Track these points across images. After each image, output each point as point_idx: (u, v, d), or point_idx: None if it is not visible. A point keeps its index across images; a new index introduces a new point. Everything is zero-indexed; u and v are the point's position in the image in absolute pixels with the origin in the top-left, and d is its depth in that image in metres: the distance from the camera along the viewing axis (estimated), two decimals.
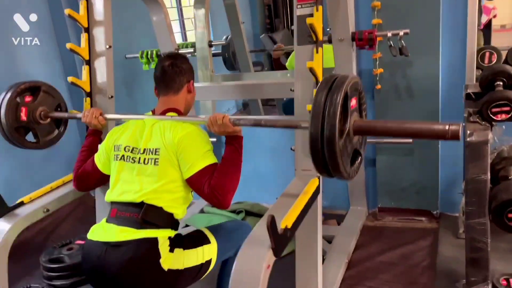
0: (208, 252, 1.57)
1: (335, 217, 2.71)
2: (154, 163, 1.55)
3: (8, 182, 2.73)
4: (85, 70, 2.06)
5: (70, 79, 1.99)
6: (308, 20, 1.56)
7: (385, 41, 2.14)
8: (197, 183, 1.52)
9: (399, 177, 2.53)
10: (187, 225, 2.74)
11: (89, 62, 2.07)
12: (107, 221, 1.55)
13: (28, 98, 1.90)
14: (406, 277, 2.06)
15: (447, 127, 1.10)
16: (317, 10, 1.60)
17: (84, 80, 2.04)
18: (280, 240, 1.27)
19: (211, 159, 1.55)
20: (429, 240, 2.34)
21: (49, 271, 2.33)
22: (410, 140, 2.33)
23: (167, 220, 1.54)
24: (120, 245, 1.45)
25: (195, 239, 1.59)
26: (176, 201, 1.56)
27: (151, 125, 1.62)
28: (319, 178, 1.66)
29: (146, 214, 1.50)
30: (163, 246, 1.46)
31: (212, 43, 3.00)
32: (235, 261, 1.28)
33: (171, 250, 1.47)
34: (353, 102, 1.23)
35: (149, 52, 2.71)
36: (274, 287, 1.25)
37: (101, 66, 2.07)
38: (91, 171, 1.71)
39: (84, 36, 2.05)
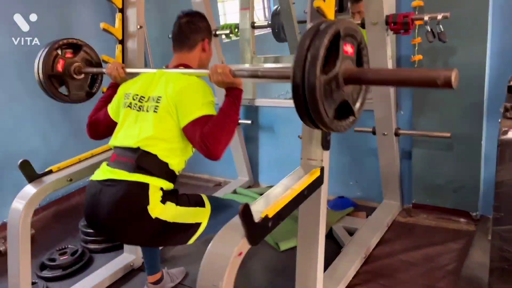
0: (200, 215, 1.58)
1: (366, 209, 2.60)
2: (154, 110, 1.58)
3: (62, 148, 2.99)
4: (118, 49, 2.16)
5: (102, 57, 2.11)
6: (316, 3, 1.48)
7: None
8: (190, 131, 1.52)
9: (435, 173, 2.35)
10: None
11: (122, 42, 2.17)
12: (107, 165, 1.62)
13: (68, 54, 2.06)
14: (424, 279, 1.93)
15: (440, 73, 0.96)
16: None
17: (117, 57, 2.15)
18: (257, 229, 1.26)
19: (208, 110, 1.53)
20: (461, 243, 2.16)
21: (85, 235, 2.54)
22: (448, 134, 2.18)
23: (161, 168, 1.55)
24: (112, 184, 1.52)
25: (191, 199, 1.62)
26: (172, 151, 1.57)
27: (159, 76, 1.67)
28: (321, 169, 1.60)
29: (141, 160, 1.54)
30: (154, 195, 1.50)
31: (255, 25, 2.97)
32: (211, 242, 1.29)
33: (163, 202, 1.52)
34: (348, 49, 1.13)
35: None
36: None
37: (133, 45, 2.16)
38: (102, 118, 1.78)
39: (118, 16, 2.14)
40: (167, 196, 1.54)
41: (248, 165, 3.12)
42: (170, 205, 1.53)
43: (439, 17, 1.92)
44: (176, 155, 1.58)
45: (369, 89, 1.27)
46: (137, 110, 1.63)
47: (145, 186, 1.50)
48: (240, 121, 2.91)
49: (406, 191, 2.52)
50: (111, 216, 1.52)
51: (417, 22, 2.01)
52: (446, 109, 2.21)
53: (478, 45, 2.05)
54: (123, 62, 2.16)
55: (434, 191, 2.39)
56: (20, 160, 1.81)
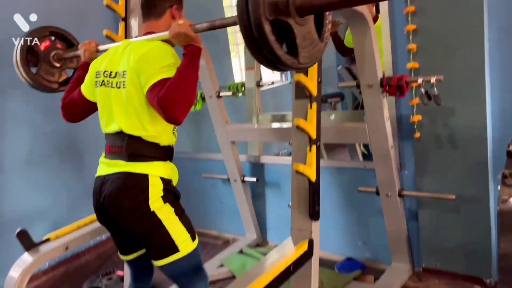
0: (184, 243, 1.54)
1: (375, 272, 2.48)
2: (123, 86, 1.53)
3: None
4: (121, 26, 2.22)
5: (105, 32, 2.17)
6: (296, 77, 1.50)
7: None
8: (150, 98, 1.43)
9: (444, 236, 2.24)
10: (222, 265, 2.77)
11: (124, 19, 2.24)
12: (105, 157, 1.60)
13: (59, 45, 2.12)
14: None
15: None
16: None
17: (119, 35, 2.21)
18: None
19: (167, 73, 1.42)
20: None
21: None
22: (453, 197, 2.10)
23: (154, 149, 1.53)
24: (111, 177, 1.52)
25: (188, 222, 1.58)
26: (149, 125, 1.50)
27: (123, 47, 1.60)
28: (310, 242, 1.55)
29: (129, 147, 1.51)
30: (154, 188, 1.48)
31: (261, 83, 3.02)
32: None
33: (164, 201, 1.50)
34: None
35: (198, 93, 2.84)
36: None
37: None
38: (77, 98, 1.71)
39: (121, 25, 2.23)
40: (168, 197, 1.53)
41: (256, 222, 3.08)
42: (168, 207, 1.51)
43: (433, 80, 1.90)
44: (158, 129, 1.52)
45: (323, 49, 1.19)
46: (110, 87, 1.57)
47: (143, 178, 1.48)
48: (245, 178, 2.91)
49: (416, 253, 2.41)
50: (113, 205, 1.52)
51: (414, 84, 2.00)
52: (450, 169, 2.13)
53: (477, 105, 2.00)
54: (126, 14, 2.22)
55: (444, 254, 2.27)
56: (18, 230, 1.85)
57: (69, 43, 2.15)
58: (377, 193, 2.31)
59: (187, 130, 3.57)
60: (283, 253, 1.49)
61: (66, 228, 2.02)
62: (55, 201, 3.03)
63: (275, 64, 1.05)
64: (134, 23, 2.21)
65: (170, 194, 1.54)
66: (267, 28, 0.98)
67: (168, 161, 1.59)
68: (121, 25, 2.22)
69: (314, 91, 1.53)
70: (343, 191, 2.63)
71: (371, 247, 2.61)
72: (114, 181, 1.51)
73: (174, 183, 1.63)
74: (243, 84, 3.01)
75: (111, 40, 2.18)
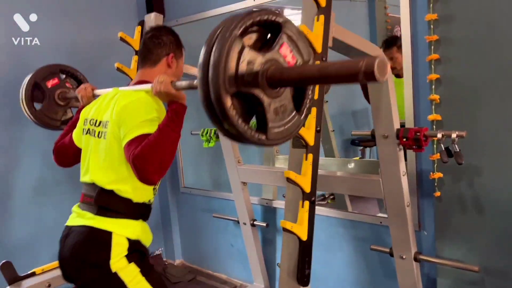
0: None
1: None
2: (104, 137, 1.46)
3: None
4: (134, 59, 2.19)
5: (117, 64, 2.17)
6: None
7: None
8: (126, 153, 1.36)
9: None
10: None
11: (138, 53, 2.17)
12: (78, 205, 1.53)
13: (68, 84, 2.12)
14: None
15: (360, 63, 0.76)
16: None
17: (132, 68, 2.17)
18: None
19: (147, 129, 1.36)
20: None
21: None
22: (476, 268, 1.85)
23: (123, 206, 1.43)
24: (76, 230, 1.44)
25: (157, 281, 1.46)
26: (124, 181, 1.42)
27: (111, 96, 1.55)
28: None
29: (100, 199, 1.43)
30: (118, 246, 1.38)
31: None
32: None
33: (129, 260, 1.39)
34: (288, 55, 0.96)
35: (209, 131, 2.76)
36: None
37: None
38: (68, 144, 1.68)
39: (134, 58, 2.19)
40: (134, 256, 1.41)
41: (264, 270, 2.89)
42: (133, 267, 1.40)
43: (454, 135, 1.71)
44: (134, 186, 1.43)
45: (300, 124, 1.05)
46: (93, 136, 1.52)
47: (107, 235, 1.39)
48: (255, 222, 2.76)
49: None
50: (72, 261, 1.44)
51: (433, 138, 1.81)
52: (474, 236, 1.89)
53: (509, 166, 1.78)
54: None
55: None
56: (2, 262, 1.80)
57: (79, 81, 2.15)
58: (391, 254, 2.09)
59: (203, 166, 3.49)
60: None
61: (53, 264, 1.95)
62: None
63: (239, 139, 0.95)
64: None
65: (136, 252, 1.43)
66: (227, 101, 0.87)
67: (140, 220, 1.49)
68: (134, 58, 2.20)
69: (310, 141, 1.40)
70: (356, 246, 2.42)
71: None
72: (77, 235, 1.44)
73: (146, 244, 1.52)
74: None
75: (122, 72, 2.16)
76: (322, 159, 2.70)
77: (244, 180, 2.68)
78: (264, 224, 2.74)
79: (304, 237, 1.39)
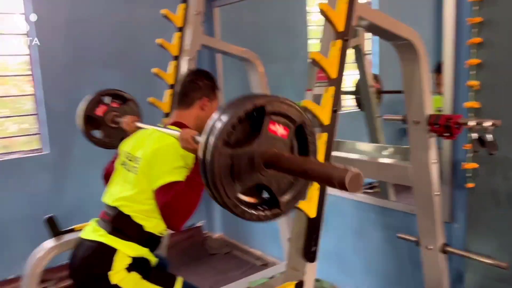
0: None
1: None
2: (135, 172, 1.60)
3: None
4: (167, 93, 2.28)
5: (149, 100, 2.24)
6: (304, 103, 1.39)
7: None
8: (156, 198, 1.50)
9: None
10: None
11: (172, 87, 2.28)
12: (96, 220, 1.68)
13: (114, 104, 2.21)
14: None
15: (335, 172, 0.83)
16: (326, 91, 1.41)
17: (164, 102, 2.27)
18: None
19: (176, 176, 1.49)
20: None
21: None
22: (504, 264, 1.76)
23: (135, 231, 1.57)
24: (87, 243, 1.59)
25: (160, 277, 1.58)
26: (147, 213, 1.56)
27: (148, 134, 1.69)
28: (298, 284, 1.41)
29: (116, 220, 1.58)
30: (120, 261, 1.51)
31: None
32: None
33: (129, 270, 1.51)
34: (278, 130, 1.01)
35: None
36: None
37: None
38: (111, 172, 1.83)
39: (168, 93, 2.29)
40: (136, 265, 1.53)
41: None
42: (134, 275, 1.52)
43: (487, 124, 1.62)
44: (151, 217, 1.57)
45: (307, 183, 1.08)
46: (126, 169, 1.67)
47: (112, 251, 1.52)
48: None
49: None
50: (78, 271, 1.61)
51: (466, 126, 1.73)
52: (507, 232, 1.80)
53: None
54: (174, 81, 2.25)
55: None
56: (47, 216, 1.98)
57: (123, 98, 2.25)
58: (417, 243, 2.03)
59: None
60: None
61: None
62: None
63: (262, 221, 1.02)
64: (184, 63, 2.26)
65: (138, 264, 1.55)
66: (237, 207, 0.96)
67: (146, 249, 1.60)
68: (172, 64, 2.28)
69: (325, 120, 1.40)
70: (386, 234, 2.38)
71: None
72: (86, 250, 1.60)
73: (150, 260, 1.64)
74: None
75: (160, 78, 2.25)
76: (358, 143, 2.68)
77: None
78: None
79: (312, 215, 1.41)
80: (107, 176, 1.88)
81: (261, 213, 1.01)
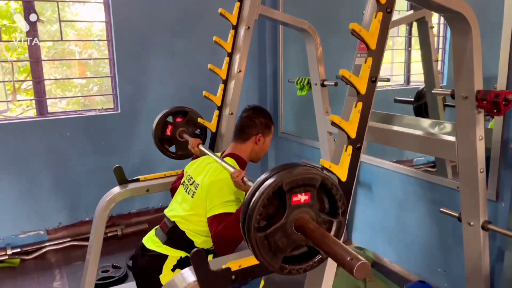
0: None
1: None
2: (192, 195, 1.81)
3: None
4: (220, 88, 2.44)
5: (204, 93, 2.42)
6: (341, 72, 1.46)
7: None
8: (209, 225, 1.71)
9: None
10: None
11: (225, 82, 2.45)
12: (156, 229, 1.92)
13: (178, 119, 2.45)
14: None
15: (346, 260, 0.94)
16: (365, 61, 1.46)
17: (217, 96, 2.44)
18: (213, 277, 1.31)
19: (228, 209, 1.69)
20: None
21: None
22: None
23: (186, 244, 1.79)
24: (145, 252, 1.84)
25: None
26: (199, 232, 1.78)
27: (208, 163, 1.89)
28: None
29: (171, 233, 1.81)
30: (168, 265, 1.75)
31: (325, 83, 2.82)
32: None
33: (173, 270, 1.74)
34: (301, 198, 1.13)
35: (303, 80, 2.88)
36: None
37: (232, 86, 2.42)
38: (177, 187, 2.07)
39: (226, 60, 2.44)
40: (180, 264, 1.76)
41: None
42: (176, 271, 1.73)
43: None
44: (201, 235, 1.78)
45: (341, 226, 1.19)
46: (185, 191, 1.88)
47: (164, 258, 1.77)
48: None
49: None
50: (139, 276, 1.88)
51: None
52: None
53: None
54: (222, 100, 2.42)
55: None
56: (115, 166, 2.25)
57: (183, 112, 2.44)
58: (459, 219, 2.04)
59: (299, 114, 3.66)
60: None
61: (154, 175, 2.36)
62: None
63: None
64: (242, 31, 2.36)
65: (183, 263, 1.76)
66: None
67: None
68: (231, 32, 2.39)
69: (362, 90, 1.46)
70: (431, 208, 2.40)
71: (451, 277, 2.33)
72: (145, 260, 1.82)
73: None
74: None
75: (214, 72, 2.38)
76: (411, 118, 2.67)
77: (330, 130, 2.78)
78: None
79: (344, 178, 1.49)
80: (172, 190, 2.13)
81: (307, 265, 1.15)
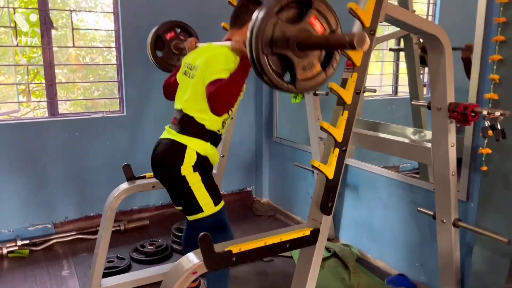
0: (207, 206, 1.94)
1: None
2: (193, 77, 1.99)
3: None
4: None
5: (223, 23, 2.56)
6: (330, 85, 1.69)
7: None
8: (207, 89, 1.88)
9: (492, 280, 2.12)
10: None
11: None
12: (169, 126, 2.09)
13: (182, 36, 2.67)
14: None
15: (346, 37, 1.19)
16: (351, 76, 1.70)
17: None
18: (216, 258, 1.53)
19: (223, 74, 1.85)
20: None
21: (173, 236, 3.13)
22: (506, 240, 1.99)
23: (198, 129, 1.96)
24: (165, 141, 2.02)
25: (213, 189, 1.98)
26: (204, 111, 1.93)
27: (204, 48, 2.09)
28: (313, 231, 1.74)
29: (182, 122, 1.99)
30: (189, 158, 1.92)
31: (365, 90, 3.13)
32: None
33: (194, 170, 1.92)
34: (317, 25, 1.36)
35: None
36: None
37: None
38: (173, 83, 2.20)
39: None
40: (199, 167, 1.94)
41: (331, 218, 3.24)
42: (196, 175, 1.93)
43: (497, 113, 1.83)
44: (207, 113, 1.93)
45: (322, 77, 1.46)
46: (187, 77, 2.05)
47: (183, 148, 1.93)
48: None
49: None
50: (158, 163, 2.04)
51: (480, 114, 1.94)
52: None
53: None
54: None
55: None
56: (124, 164, 2.47)
57: (190, 34, 2.67)
58: (434, 217, 2.28)
59: (292, 120, 3.90)
60: (288, 230, 1.72)
61: None
62: None
63: (276, 88, 1.38)
64: None
65: (201, 165, 1.94)
66: (264, 60, 1.31)
67: (209, 143, 1.98)
68: None
69: (347, 100, 1.69)
70: (411, 208, 2.64)
71: (428, 271, 2.57)
72: (163, 145, 2.00)
73: (213, 162, 2.02)
74: None
75: (226, 30, 2.62)
76: (395, 126, 2.92)
77: (321, 135, 3.02)
78: None
79: (330, 176, 1.72)
80: (167, 86, 2.27)
81: (282, 82, 1.36)
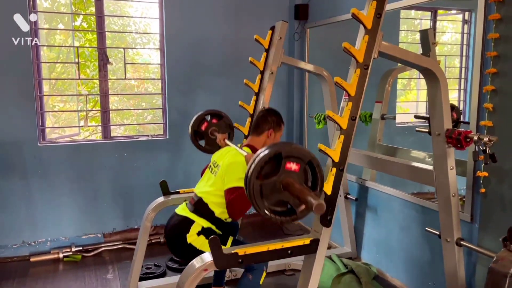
0: None
1: None
2: (215, 174, 2.35)
3: None
4: (248, 121, 3.00)
5: (240, 103, 3.02)
6: (327, 112, 1.95)
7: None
8: (225, 195, 2.23)
9: None
10: None
11: (252, 116, 3.00)
12: (186, 203, 2.44)
13: (214, 120, 3.00)
14: None
15: (311, 201, 1.45)
16: (347, 105, 1.96)
17: (246, 127, 3.00)
18: (224, 258, 1.80)
19: (240, 183, 2.18)
20: None
21: None
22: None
23: (209, 214, 2.30)
24: (178, 216, 2.36)
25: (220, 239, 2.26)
26: (218, 204, 2.28)
27: (229, 150, 2.43)
28: (313, 241, 1.97)
29: (197, 204, 2.33)
30: (195, 228, 2.27)
31: (385, 116, 3.34)
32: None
33: (199, 234, 2.25)
34: (292, 166, 1.63)
35: (320, 115, 3.37)
36: None
37: None
38: (204, 171, 2.57)
39: (253, 98, 3.01)
40: (203, 232, 2.27)
41: (353, 237, 3.42)
42: (202, 238, 2.26)
43: (485, 139, 1.99)
44: (220, 207, 2.30)
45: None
46: (211, 172, 2.42)
47: (191, 221, 2.29)
48: (348, 195, 3.31)
49: None
50: (169, 233, 2.39)
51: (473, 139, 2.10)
52: None
53: None
54: (258, 90, 3.01)
55: None
56: (161, 180, 2.83)
57: (219, 116, 2.99)
58: (439, 236, 2.42)
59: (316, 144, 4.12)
60: (292, 239, 1.97)
61: (192, 189, 2.89)
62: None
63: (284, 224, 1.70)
64: (267, 76, 2.96)
65: (206, 233, 2.26)
66: (267, 214, 1.62)
67: (214, 226, 2.30)
68: (258, 76, 2.98)
69: (343, 126, 1.95)
70: (423, 229, 2.77)
71: None
72: (175, 220, 2.37)
73: (216, 230, 2.33)
74: (370, 114, 3.40)
75: (248, 86, 2.97)
76: (409, 151, 3.08)
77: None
78: (354, 198, 3.26)
79: (329, 192, 1.96)
80: (202, 173, 2.64)
81: (283, 218, 1.64)
